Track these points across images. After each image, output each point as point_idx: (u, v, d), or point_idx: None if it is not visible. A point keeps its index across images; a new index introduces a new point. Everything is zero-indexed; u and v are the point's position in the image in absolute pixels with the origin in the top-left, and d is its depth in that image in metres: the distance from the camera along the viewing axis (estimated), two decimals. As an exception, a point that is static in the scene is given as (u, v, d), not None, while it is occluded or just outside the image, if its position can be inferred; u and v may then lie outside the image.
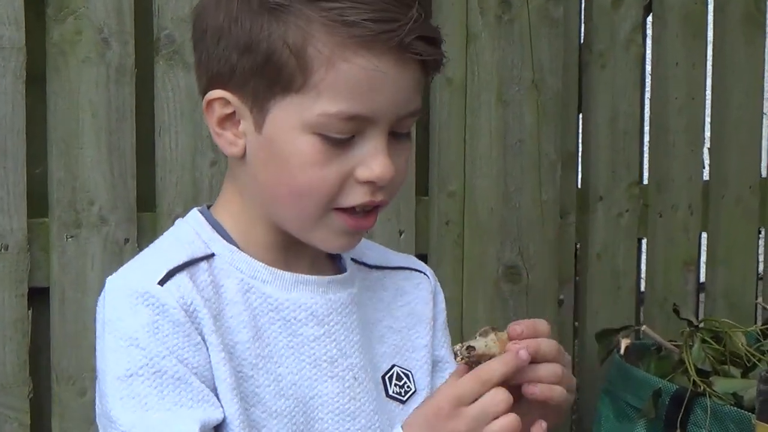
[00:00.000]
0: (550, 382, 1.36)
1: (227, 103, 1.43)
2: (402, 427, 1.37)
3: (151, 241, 1.61)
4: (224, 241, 1.49)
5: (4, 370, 2.24)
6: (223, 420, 1.45)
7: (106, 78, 2.37)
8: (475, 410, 1.30)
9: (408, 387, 1.56)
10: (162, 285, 1.44)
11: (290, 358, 1.49)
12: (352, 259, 1.57)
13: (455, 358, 1.39)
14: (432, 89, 2.64)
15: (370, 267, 1.58)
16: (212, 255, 1.48)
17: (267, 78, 1.41)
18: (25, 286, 2.28)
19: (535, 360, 1.36)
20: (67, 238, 2.33)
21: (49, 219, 2.36)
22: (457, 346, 1.39)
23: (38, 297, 2.29)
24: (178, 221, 1.54)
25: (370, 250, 1.62)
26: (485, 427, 1.29)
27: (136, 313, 1.42)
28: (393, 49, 1.38)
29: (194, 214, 1.52)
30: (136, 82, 2.35)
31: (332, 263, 1.56)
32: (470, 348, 1.36)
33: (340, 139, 1.40)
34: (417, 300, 1.59)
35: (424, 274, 1.62)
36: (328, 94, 1.39)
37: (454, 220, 2.67)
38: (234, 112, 1.43)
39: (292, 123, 1.41)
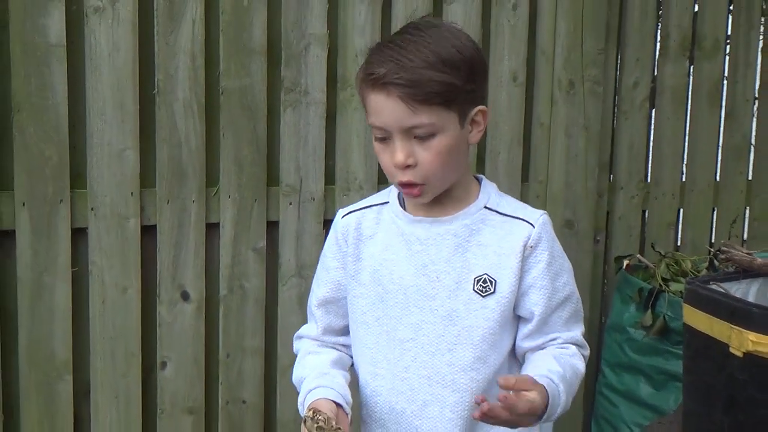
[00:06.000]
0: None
1: None
2: None
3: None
4: (395, 197, 1.45)
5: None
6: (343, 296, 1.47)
7: (365, 118, 2.30)
8: None
9: (488, 289, 1.38)
10: (342, 218, 1.49)
11: (404, 261, 1.41)
12: (485, 207, 1.42)
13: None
14: (533, 130, 2.65)
15: (499, 213, 1.41)
16: (387, 202, 1.46)
17: None
18: (321, 218, 2.40)
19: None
20: (342, 195, 2.40)
21: (335, 185, 2.42)
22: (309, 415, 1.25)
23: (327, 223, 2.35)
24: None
25: (508, 204, 1.44)
26: None
27: (330, 229, 1.51)
28: (379, 88, 1.30)
29: None
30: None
31: (461, 207, 1.42)
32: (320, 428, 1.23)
33: (379, 138, 1.34)
34: (516, 240, 1.39)
35: (531, 225, 1.40)
36: (368, 114, 1.35)
37: (541, 196, 2.70)
38: None
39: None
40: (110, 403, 2.29)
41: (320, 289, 1.51)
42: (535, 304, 1.41)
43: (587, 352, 1.48)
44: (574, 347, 1.45)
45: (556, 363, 1.39)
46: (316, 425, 1.22)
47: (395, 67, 1.29)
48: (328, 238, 1.51)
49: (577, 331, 1.46)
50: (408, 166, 1.33)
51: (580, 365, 1.44)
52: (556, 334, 1.43)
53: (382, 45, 1.34)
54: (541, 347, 1.44)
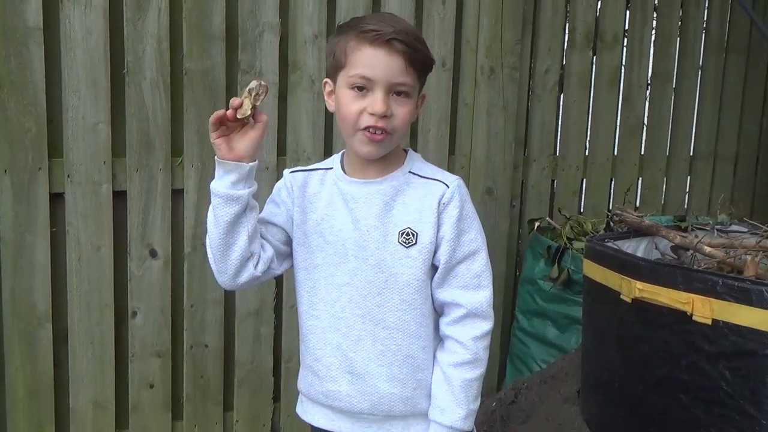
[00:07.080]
0: None
1: (327, 83, 1.47)
2: None
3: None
4: (339, 163, 1.52)
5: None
6: (289, 236, 1.51)
7: (312, 98, 2.48)
8: None
9: (411, 240, 1.45)
10: (291, 174, 1.55)
11: (343, 216, 1.48)
12: (410, 171, 1.49)
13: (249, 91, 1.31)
14: (458, 110, 2.76)
15: (419, 176, 1.48)
16: (331, 168, 1.53)
17: (335, 66, 1.43)
18: (274, 185, 2.34)
19: None
20: (293, 165, 2.35)
21: (286, 156, 2.49)
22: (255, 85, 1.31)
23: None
24: (342, 152, 1.55)
25: (429, 168, 1.52)
26: None
27: (279, 182, 1.55)
28: (382, 44, 1.37)
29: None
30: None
31: (390, 171, 1.49)
32: (257, 96, 1.30)
33: (359, 87, 1.39)
34: (433, 198, 1.46)
35: (446, 185, 1.47)
36: (353, 66, 1.39)
37: (465, 167, 2.82)
38: (332, 90, 1.46)
39: (341, 84, 1.42)
40: (86, 348, 2.39)
41: (267, 209, 1.53)
42: (442, 254, 1.46)
43: (487, 326, 1.49)
44: (467, 351, 1.47)
45: (452, 399, 1.47)
46: (255, 93, 1.28)
47: (398, 30, 1.39)
48: (276, 187, 1.55)
49: (484, 294, 1.48)
50: (384, 116, 1.41)
51: (471, 373, 1.47)
52: (461, 298, 1.46)
53: (376, 15, 1.43)
54: (447, 306, 1.48)
